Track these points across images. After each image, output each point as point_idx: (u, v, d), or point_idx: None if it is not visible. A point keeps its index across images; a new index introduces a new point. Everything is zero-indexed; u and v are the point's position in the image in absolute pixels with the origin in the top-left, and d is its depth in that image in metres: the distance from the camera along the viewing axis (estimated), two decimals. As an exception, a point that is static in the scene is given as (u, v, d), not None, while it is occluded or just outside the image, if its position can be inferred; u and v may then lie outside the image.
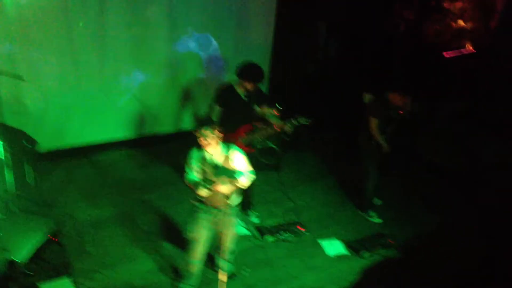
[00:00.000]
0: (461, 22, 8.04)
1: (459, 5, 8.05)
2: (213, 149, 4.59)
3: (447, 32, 8.22)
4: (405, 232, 6.31)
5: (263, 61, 8.47)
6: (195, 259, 4.97)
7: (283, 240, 6.03)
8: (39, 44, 6.63)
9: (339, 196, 7.04)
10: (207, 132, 4.50)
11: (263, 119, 6.21)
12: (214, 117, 5.87)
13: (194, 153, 4.69)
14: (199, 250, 4.94)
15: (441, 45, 8.21)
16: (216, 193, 4.67)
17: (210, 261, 5.45)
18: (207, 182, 4.59)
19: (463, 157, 7.35)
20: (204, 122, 4.66)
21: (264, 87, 8.30)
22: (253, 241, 6.01)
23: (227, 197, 4.68)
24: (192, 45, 7.80)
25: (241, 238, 5.96)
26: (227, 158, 4.67)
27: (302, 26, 8.83)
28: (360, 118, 6.39)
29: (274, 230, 6.13)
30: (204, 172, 4.65)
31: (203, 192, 4.61)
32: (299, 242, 6.05)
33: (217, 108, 5.88)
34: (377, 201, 6.83)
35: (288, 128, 5.87)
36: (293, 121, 5.86)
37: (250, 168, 4.80)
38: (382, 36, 8.77)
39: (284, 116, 7.17)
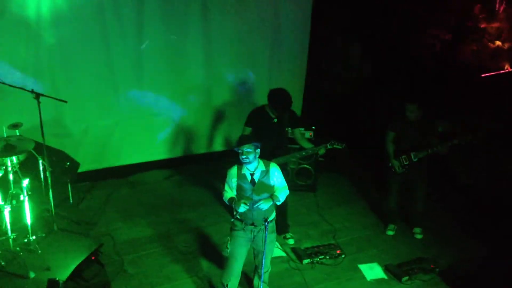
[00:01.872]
0: (498, 43, 7.94)
1: (496, 25, 7.96)
2: (253, 166, 4.72)
3: (484, 53, 8.12)
4: (446, 257, 6.17)
5: (298, 83, 8.53)
6: (232, 276, 4.96)
7: (320, 263, 5.98)
8: (80, 69, 6.83)
9: (376, 219, 6.95)
10: (248, 149, 4.62)
11: (295, 141, 6.23)
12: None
13: (233, 171, 4.81)
14: (235, 267, 4.94)
15: (478, 66, 8.11)
16: (253, 209, 4.71)
17: (248, 282, 5.44)
18: (245, 198, 4.69)
19: (499, 180, 7.19)
20: (245, 139, 4.74)
21: (298, 108, 8.37)
22: (289, 264, 5.97)
23: (264, 213, 4.69)
24: (226, 69, 7.89)
25: (277, 260, 5.95)
26: (265, 173, 4.76)
27: (336, 47, 8.85)
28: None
29: (310, 253, 6.08)
30: (242, 189, 4.74)
31: (240, 208, 4.65)
32: (336, 265, 5.98)
33: (248, 130, 5.95)
34: (417, 234, 6.60)
35: (321, 151, 5.87)
36: (327, 144, 5.85)
37: (285, 183, 4.90)
38: (417, 56, 8.72)
39: (318, 137, 7.20)
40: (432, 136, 6.20)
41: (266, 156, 5.87)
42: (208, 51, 7.64)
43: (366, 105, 8.91)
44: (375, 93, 8.99)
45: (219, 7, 7.44)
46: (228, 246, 4.96)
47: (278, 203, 4.86)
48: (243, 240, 4.90)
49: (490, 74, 7.89)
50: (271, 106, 5.86)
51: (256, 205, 4.68)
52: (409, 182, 6.42)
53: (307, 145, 6.08)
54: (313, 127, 7.43)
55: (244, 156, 4.66)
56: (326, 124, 7.72)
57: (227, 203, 4.85)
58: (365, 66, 9.35)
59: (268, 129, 5.91)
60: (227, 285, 4.96)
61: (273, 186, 4.83)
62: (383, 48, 8.89)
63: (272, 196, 4.77)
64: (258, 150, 4.73)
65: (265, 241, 4.68)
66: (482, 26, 8.05)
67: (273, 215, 4.90)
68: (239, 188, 4.78)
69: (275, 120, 5.93)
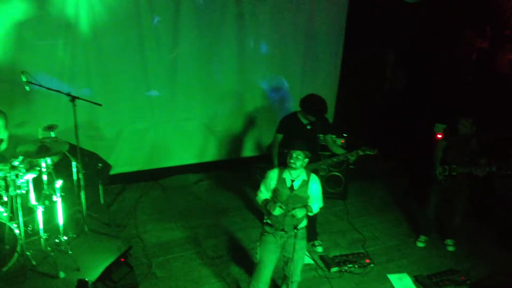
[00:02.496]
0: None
1: (534, 34, 7.79)
2: (296, 173, 4.68)
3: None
4: (478, 269, 6.04)
5: (330, 90, 8.49)
6: (261, 283, 4.93)
7: (349, 272, 5.90)
8: (115, 73, 6.94)
9: (407, 229, 6.84)
10: (299, 155, 4.61)
11: (327, 148, 6.19)
12: (277, 146, 5.95)
13: (274, 173, 4.79)
14: (264, 274, 4.91)
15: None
16: (286, 215, 4.68)
17: (276, 290, 5.42)
18: (280, 203, 4.66)
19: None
20: (299, 145, 4.68)
21: (330, 116, 8.32)
22: (317, 271, 5.91)
23: (296, 220, 4.66)
24: (258, 75, 7.90)
25: (305, 268, 5.88)
26: (305, 183, 4.72)
27: (370, 56, 8.78)
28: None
29: (339, 261, 6.02)
30: (279, 193, 4.71)
31: (275, 211, 4.63)
32: (365, 274, 5.90)
33: (280, 137, 5.95)
34: (449, 246, 6.48)
35: (352, 157, 5.82)
36: (359, 151, 5.80)
37: (321, 196, 4.85)
38: (452, 65, 8.59)
39: (350, 145, 7.14)
40: (479, 154, 6.04)
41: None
42: (242, 58, 7.68)
43: (399, 113, 8.81)
44: (408, 102, 8.89)
45: (253, 15, 7.48)
46: (258, 252, 4.95)
47: (311, 214, 4.83)
48: (273, 246, 4.87)
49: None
50: (305, 112, 5.82)
51: (291, 212, 4.65)
52: (449, 194, 6.31)
53: (339, 151, 6.04)
54: (345, 134, 7.38)
55: (292, 161, 4.63)
56: (358, 132, 7.65)
57: (260, 204, 4.84)
58: (399, 74, 9.25)
59: (301, 135, 5.89)
60: None
61: (309, 196, 4.79)
62: (417, 57, 8.78)
63: (306, 206, 4.74)
64: (307, 160, 4.70)
65: (294, 248, 4.66)
66: (520, 35, 7.89)
67: (304, 223, 4.85)
68: (276, 192, 4.76)
69: (308, 127, 5.90)
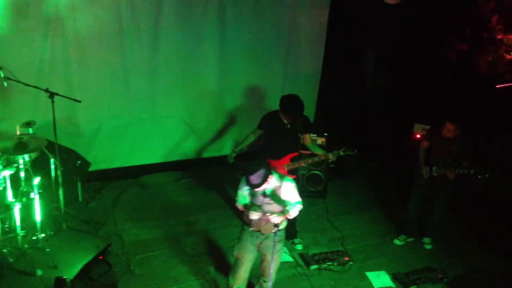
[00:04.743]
0: (514, 54, 7.86)
1: (512, 36, 7.89)
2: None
3: (500, 64, 8.05)
4: (455, 266, 6.12)
5: (312, 89, 8.51)
6: (237, 280, 4.95)
7: (328, 270, 5.94)
8: (94, 69, 6.85)
9: (386, 227, 6.90)
10: (260, 184, 4.51)
11: (306, 147, 6.21)
12: (252, 135, 6.10)
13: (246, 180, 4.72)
14: (241, 271, 4.93)
15: (494, 77, 8.04)
16: (264, 220, 4.69)
17: (251, 289, 5.42)
18: (256, 207, 4.67)
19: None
20: (254, 180, 4.50)
21: (311, 115, 8.35)
22: (296, 269, 5.94)
23: (274, 225, 4.65)
24: (240, 74, 7.88)
25: (285, 266, 5.92)
26: (278, 188, 4.70)
27: (351, 55, 8.82)
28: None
29: (318, 259, 6.06)
30: (254, 198, 4.72)
31: (253, 215, 4.63)
32: (343, 272, 5.95)
33: (258, 132, 6.02)
34: (426, 244, 6.54)
35: (332, 157, 5.85)
36: (340, 151, 5.83)
37: (299, 198, 4.82)
38: (432, 66, 8.67)
39: (330, 143, 7.18)
40: (463, 157, 6.03)
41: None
42: (223, 56, 7.63)
43: (379, 114, 8.87)
44: (388, 101, 8.96)
45: (235, 13, 7.43)
46: (235, 248, 4.97)
47: (290, 217, 4.81)
48: (250, 245, 4.88)
49: (504, 85, 7.81)
50: (283, 112, 5.85)
51: (268, 217, 4.62)
52: (431, 194, 6.36)
53: (318, 151, 6.07)
54: (325, 134, 7.41)
55: (260, 192, 4.60)
56: (339, 131, 7.68)
57: (241, 209, 4.83)
58: (380, 75, 9.32)
59: (281, 134, 5.91)
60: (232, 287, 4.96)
61: (285, 200, 4.74)
62: (398, 57, 8.85)
63: (283, 211, 4.71)
64: (270, 172, 4.54)
65: (274, 247, 4.66)
66: (499, 37, 7.98)
67: (283, 224, 4.85)
68: (251, 196, 4.75)
69: (289, 126, 5.92)
